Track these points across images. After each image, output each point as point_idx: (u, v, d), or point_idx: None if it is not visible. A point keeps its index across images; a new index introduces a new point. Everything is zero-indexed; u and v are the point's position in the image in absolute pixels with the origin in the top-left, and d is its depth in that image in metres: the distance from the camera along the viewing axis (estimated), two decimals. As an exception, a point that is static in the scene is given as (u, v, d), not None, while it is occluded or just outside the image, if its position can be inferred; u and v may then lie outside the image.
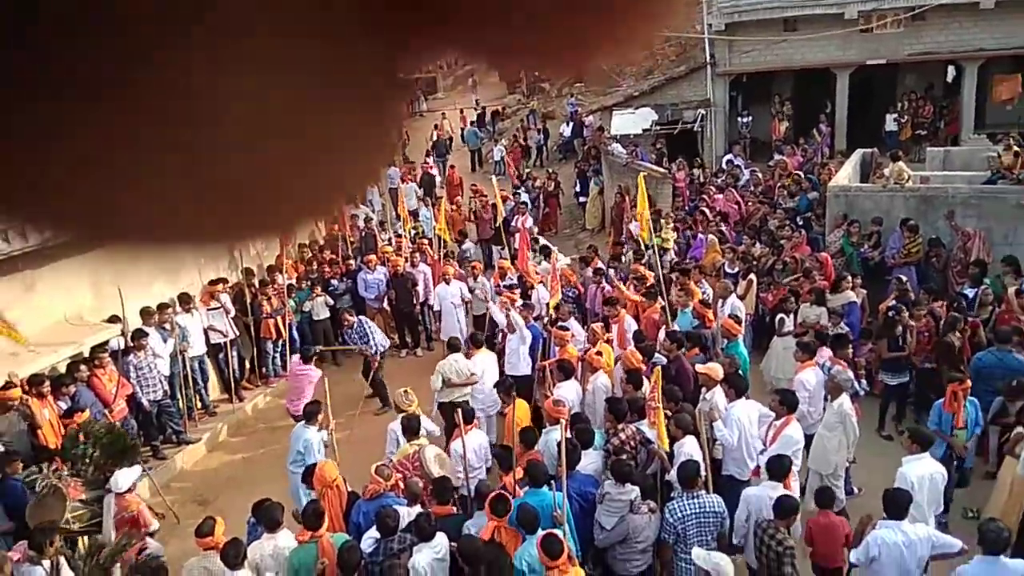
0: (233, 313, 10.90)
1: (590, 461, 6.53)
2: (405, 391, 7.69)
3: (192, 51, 0.30)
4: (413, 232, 15.17)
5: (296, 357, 9.63)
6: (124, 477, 6.57)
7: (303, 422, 7.65)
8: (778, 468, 5.97)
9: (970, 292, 9.60)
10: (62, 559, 5.64)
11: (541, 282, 10.81)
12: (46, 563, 5.59)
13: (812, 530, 5.96)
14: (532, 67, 0.37)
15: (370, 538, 5.68)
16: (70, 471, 6.75)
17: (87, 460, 6.86)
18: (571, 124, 24.02)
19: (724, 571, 5.03)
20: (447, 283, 11.67)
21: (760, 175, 16.88)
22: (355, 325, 10.45)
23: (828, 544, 5.89)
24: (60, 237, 0.36)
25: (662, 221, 13.19)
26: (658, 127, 20.29)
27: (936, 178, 13.07)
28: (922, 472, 6.11)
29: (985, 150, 13.73)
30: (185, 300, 10.32)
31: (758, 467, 6.59)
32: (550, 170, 20.47)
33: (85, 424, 7.35)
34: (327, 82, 0.32)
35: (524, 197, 17.50)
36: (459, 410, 7.08)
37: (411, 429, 7.06)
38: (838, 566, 5.96)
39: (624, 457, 6.42)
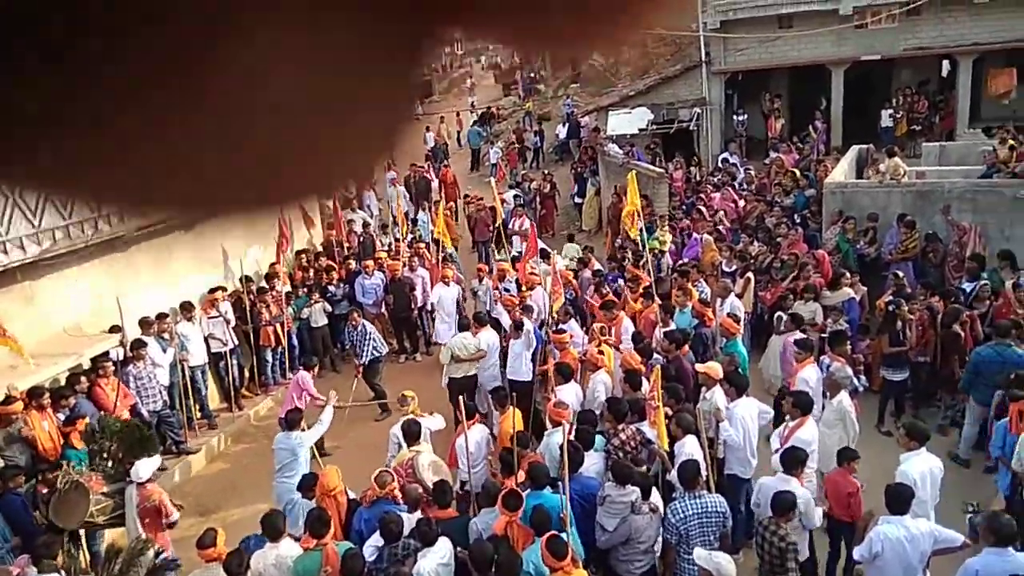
0: (234, 323, 10.89)
1: (592, 463, 6.53)
2: (402, 396, 7.71)
3: (245, 33, 0.32)
4: (410, 236, 15.13)
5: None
6: (144, 467, 6.63)
7: (285, 431, 7.64)
8: (790, 459, 6.05)
9: (967, 286, 9.60)
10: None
11: (540, 284, 10.80)
12: (63, 573, 5.61)
13: (827, 485, 6.45)
14: (564, 46, 0.38)
15: (371, 546, 5.67)
16: (89, 466, 6.78)
17: (105, 454, 6.89)
18: (567, 125, 23.96)
19: (726, 571, 5.03)
20: (446, 285, 11.71)
21: (753, 173, 16.88)
22: (359, 327, 10.48)
23: (837, 499, 6.28)
24: (150, 214, 0.39)
25: (657, 220, 13.19)
26: (654, 126, 20.27)
27: (932, 173, 13.07)
28: (922, 468, 6.12)
29: (980, 144, 13.77)
30: (187, 308, 10.31)
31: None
32: (546, 172, 20.44)
33: (102, 419, 7.39)
34: (362, 58, 0.35)
35: (521, 199, 17.48)
36: (461, 402, 7.18)
37: (411, 434, 7.04)
38: (848, 521, 6.23)
39: (626, 457, 6.43)
